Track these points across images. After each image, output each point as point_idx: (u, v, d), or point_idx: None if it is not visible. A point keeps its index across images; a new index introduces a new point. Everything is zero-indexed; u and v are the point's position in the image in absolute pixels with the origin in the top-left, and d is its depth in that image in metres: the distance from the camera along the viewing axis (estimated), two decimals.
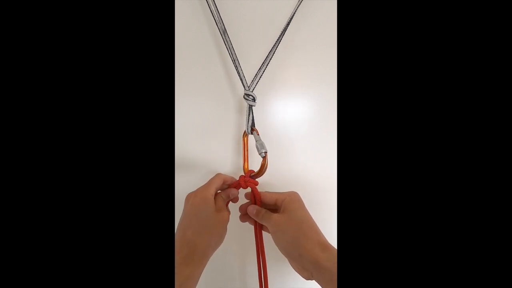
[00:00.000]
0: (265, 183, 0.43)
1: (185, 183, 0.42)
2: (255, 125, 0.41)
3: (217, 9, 0.38)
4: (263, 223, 0.36)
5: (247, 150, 0.42)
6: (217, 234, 0.33)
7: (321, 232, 0.33)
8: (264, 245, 0.40)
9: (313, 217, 0.35)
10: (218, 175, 0.37)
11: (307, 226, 0.32)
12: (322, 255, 0.29)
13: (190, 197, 0.34)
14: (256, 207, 0.37)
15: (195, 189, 0.36)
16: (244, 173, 0.41)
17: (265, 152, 0.37)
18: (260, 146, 0.37)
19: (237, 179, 0.39)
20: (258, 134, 0.40)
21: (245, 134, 0.42)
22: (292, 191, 0.37)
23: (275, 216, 0.34)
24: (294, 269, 0.34)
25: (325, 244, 0.31)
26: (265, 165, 0.38)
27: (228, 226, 0.37)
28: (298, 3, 0.39)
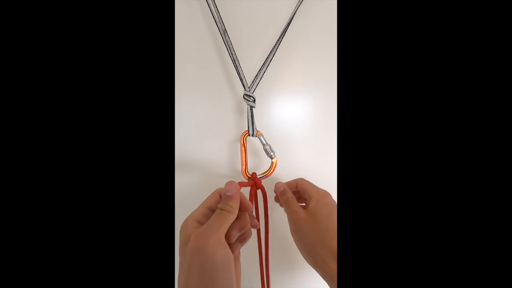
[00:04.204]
0: (266, 183, 0.42)
1: (184, 184, 0.42)
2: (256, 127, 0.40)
3: (217, 9, 0.38)
4: (285, 207, 0.34)
5: (245, 153, 0.41)
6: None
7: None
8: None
9: None
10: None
11: (329, 236, 0.30)
12: (335, 268, 0.28)
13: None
14: (285, 186, 0.35)
15: (193, 190, 0.35)
16: (243, 175, 0.41)
17: (274, 154, 0.40)
18: (269, 150, 0.40)
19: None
20: (263, 137, 0.40)
21: (244, 136, 0.41)
22: (326, 191, 0.34)
23: (301, 212, 0.32)
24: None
25: None
26: (275, 167, 0.40)
27: None
28: (299, 3, 0.39)
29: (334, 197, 0.40)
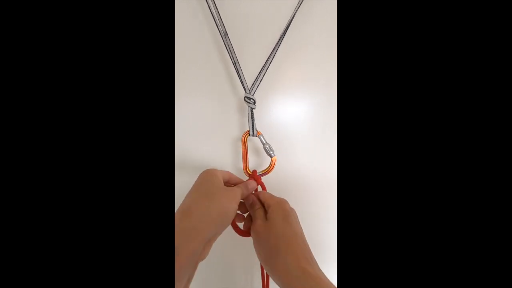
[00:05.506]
0: (265, 183, 0.43)
1: (184, 184, 0.42)
2: (257, 127, 0.42)
3: (217, 11, 0.38)
4: (253, 217, 0.35)
5: (246, 151, 0.43)
6: (218, 207, 0.29)
7: (308, 249, 0.30)
8: None
9: (312, 217, 0.35)
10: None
11: (284, 240, 0.30)
12: (307, 265, 0.28)
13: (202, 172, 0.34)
14: (255, 198, 0.36)
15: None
16: (244, 173, 0.42)
17: (273, 152, 0.42)
18: (269, 149, 0.41)
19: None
20: (263, 137, 0.42)
21: (245, 136, 0.42)
22: (281, 199, 0.35)
23: (258, 222, 0.33)
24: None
25: (309, 260, 0.29)
26: (274, 165, 0.42)
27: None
28: (298, 4, 0.39)
29: (334, 196, 0.41)
